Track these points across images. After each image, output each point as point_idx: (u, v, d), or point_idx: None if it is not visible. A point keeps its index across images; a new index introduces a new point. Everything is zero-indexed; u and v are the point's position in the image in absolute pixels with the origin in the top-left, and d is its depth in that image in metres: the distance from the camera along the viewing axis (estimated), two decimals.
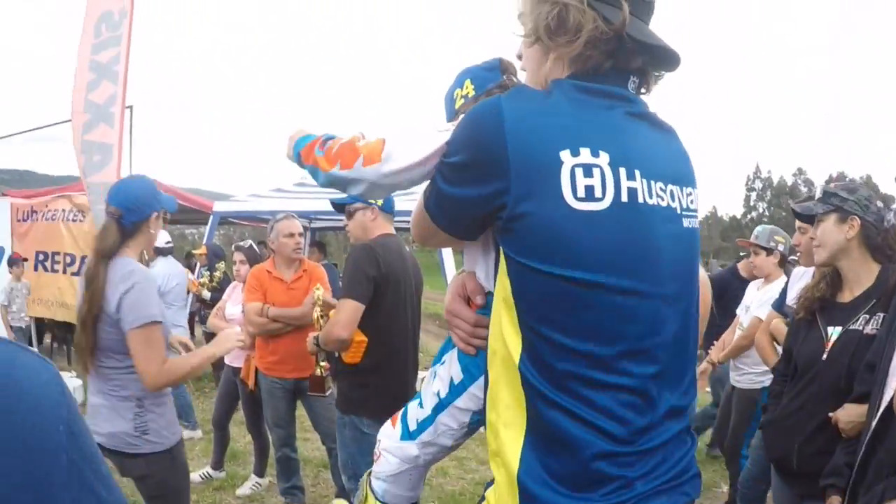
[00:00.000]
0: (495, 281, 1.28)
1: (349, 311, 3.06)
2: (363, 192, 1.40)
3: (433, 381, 1.60)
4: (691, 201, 1.30)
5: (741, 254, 10.38)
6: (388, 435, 1.67)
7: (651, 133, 1.26)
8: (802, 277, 3.30)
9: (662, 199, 1.22)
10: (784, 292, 3.57)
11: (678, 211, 1.25)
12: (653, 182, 1.20)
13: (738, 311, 4.76)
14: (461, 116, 1.57)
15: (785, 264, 4.57)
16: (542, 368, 1.17)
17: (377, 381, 3.20)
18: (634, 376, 1.18)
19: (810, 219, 2.65)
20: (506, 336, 1.23)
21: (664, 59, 1.27)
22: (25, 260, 8.70)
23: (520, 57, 1.39)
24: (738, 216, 71.47)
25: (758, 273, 4.69)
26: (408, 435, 1.62)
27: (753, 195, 70.86)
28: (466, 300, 1.53)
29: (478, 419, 1.53)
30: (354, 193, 1.41)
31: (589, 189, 1.13)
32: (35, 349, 8.36)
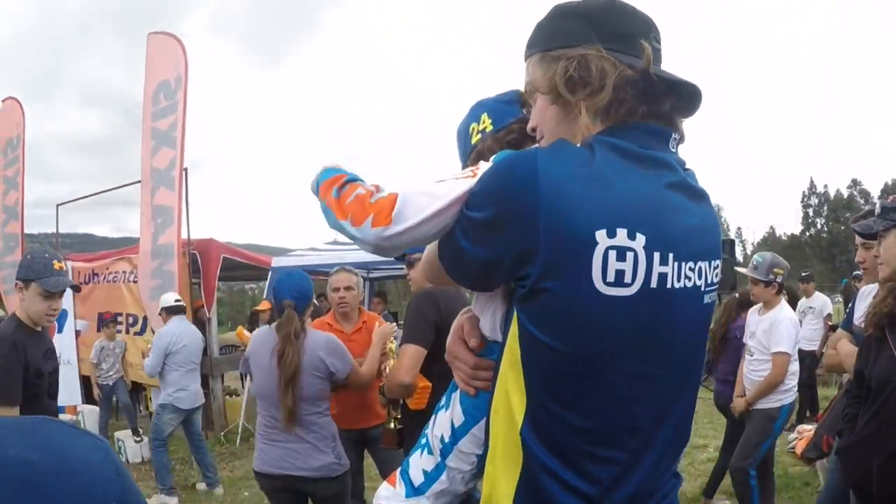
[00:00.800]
0: (503, 335, 1.24)
1: (411, 356, 3.06)
2: (372, 252, 1.29)
3: (435, 427, 1.55)
4: (716, 274, 1.27)
5: (803, 273, 10.15)
6: (391, 496, 1.55)
7: (689, 206, 1.20)
8: (868, 296, 3.22)
9: (689, 280, 1.18)
10: (851, 311, 3.49)
11: (702, 288, 1.22)
12: (684, 263, 1.16)
13: (745, 339, 4.88)
14: (479, 157, 1.53)
15: (782, 291, 4.78)
16: (544, 437, 1.16)
17: None
18: (634, 451, 1.18)
19: (872, 236, 2.61)
20: (511, 398, 1.20)
21: (688, 97, 1.23)
22: (120, 322, 8.84)
23: (533, 130, 1.32)
24: (797, 234, 69.62)
25: (756, 300, 4.86)
26: (413, 490, 1.52)
27: (810, 211, 68.97)
28: (465, 342, 1.49)
29: (482, 460, 1.42)
30: (366, 251, 1.30)
31: (619, 274, 1.08)
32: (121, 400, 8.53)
